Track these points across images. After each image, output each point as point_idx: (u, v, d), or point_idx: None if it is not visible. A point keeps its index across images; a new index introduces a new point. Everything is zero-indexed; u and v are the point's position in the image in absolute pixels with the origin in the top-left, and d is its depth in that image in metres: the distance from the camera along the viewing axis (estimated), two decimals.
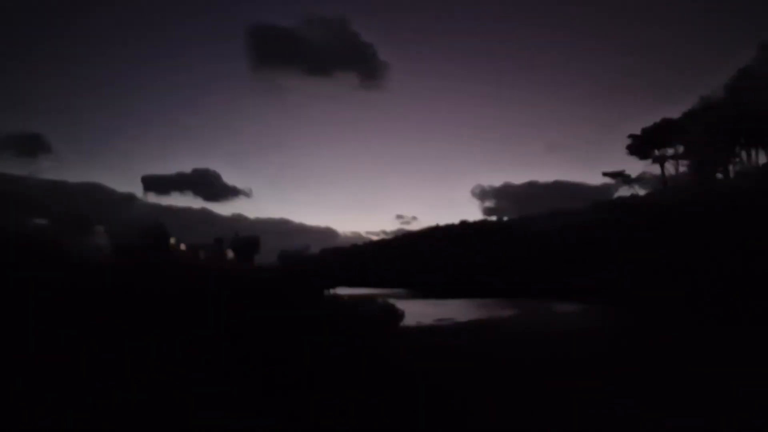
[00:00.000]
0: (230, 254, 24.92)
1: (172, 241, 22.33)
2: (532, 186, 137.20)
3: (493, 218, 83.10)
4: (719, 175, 55.35)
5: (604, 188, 79.39)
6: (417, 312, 27.65)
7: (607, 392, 9.20)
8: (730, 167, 54.76)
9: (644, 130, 60.52)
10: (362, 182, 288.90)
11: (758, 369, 10.83)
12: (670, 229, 35.10)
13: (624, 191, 68.05)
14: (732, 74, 54.26)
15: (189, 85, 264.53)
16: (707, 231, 28.90)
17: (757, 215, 26.61)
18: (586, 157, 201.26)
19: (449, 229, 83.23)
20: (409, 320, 23.41)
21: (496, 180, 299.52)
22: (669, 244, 31.94)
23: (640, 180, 66.02)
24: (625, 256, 35.51)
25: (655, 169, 63.37)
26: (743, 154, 52.89)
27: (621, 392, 9.25)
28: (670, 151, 60.84)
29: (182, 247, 22.98)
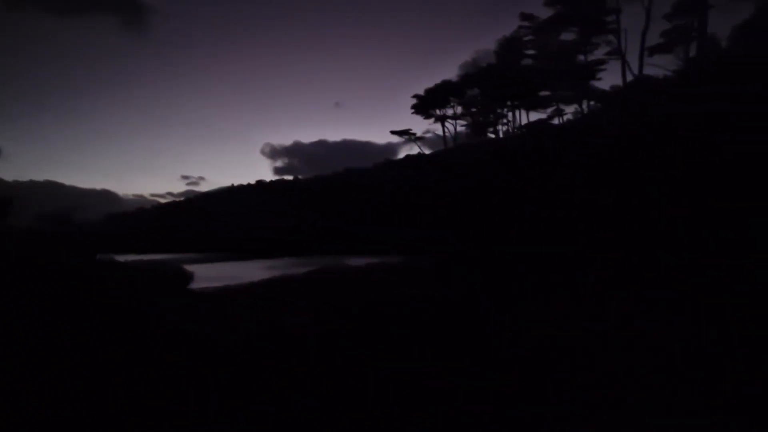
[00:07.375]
0: None
1: None
2: (322, 144, 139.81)
3: (290, 177, 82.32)
4: (491, 135, 62.52)
5: (391, 147, 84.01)
6: (209, 275, 26.52)
7: None
8: (500, 127, 62.15)
9: (427, 91, 64.99)
10: (141, 141, 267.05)
11: None
12: (454, 185, 38.42)
13: (410, 150, 73.69)
14: (498, 41, 61.72)
15: None
16: (488, 186, 32.16)
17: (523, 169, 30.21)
18: (373, 117, 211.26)
19: (245, 189, 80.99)
20: (200, 282, 22.30)
21: (285, 139, 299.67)
22: (456, 198, 34.93)
23: (424, 138, 71.67)
24: (416, 211, 38.11)
25: (438, 128, 69.01)
26: (509, 114, 60.20)
27: None
28: (449, 111, 66.83)
29: None
